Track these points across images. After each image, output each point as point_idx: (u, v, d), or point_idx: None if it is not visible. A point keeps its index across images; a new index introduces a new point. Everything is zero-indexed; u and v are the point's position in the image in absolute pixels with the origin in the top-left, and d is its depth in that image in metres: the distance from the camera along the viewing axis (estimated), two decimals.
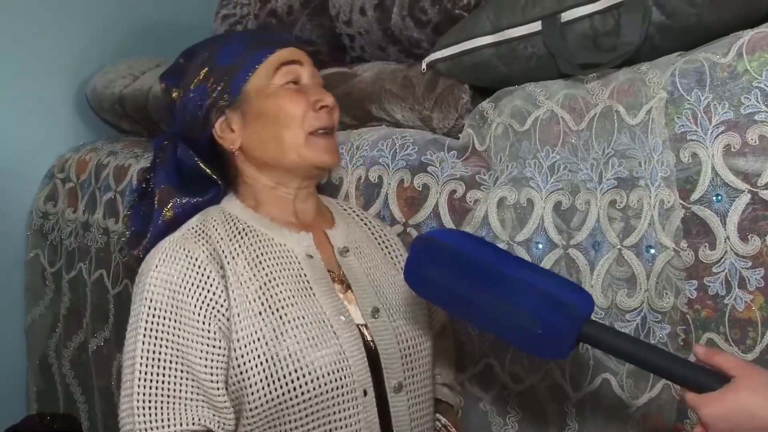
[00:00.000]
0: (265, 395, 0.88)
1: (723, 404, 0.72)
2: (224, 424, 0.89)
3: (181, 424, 0.87)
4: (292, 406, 0.88)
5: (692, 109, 0.95)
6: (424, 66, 1.27)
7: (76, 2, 2.02)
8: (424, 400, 0.99)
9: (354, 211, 1.13)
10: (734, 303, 0.91)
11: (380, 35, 1.41)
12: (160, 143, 1.07)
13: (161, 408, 0.87)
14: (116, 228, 1.70)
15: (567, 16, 1.09)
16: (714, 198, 0.92)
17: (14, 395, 2.02)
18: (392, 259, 1.08)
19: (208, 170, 1.04)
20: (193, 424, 0.87)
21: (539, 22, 1.11)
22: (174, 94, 1.05)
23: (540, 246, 1.08)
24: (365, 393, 0.91)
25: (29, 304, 1.99)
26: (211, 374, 0.88)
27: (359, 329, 0.94)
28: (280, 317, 0.91)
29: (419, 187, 1.21)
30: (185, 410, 0.87)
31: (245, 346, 0.89)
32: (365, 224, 1.11)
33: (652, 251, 0.97)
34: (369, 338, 0.95)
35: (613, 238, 1.01)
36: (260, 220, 0.99)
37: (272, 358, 0.88)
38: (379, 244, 1.09)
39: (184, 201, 1.03)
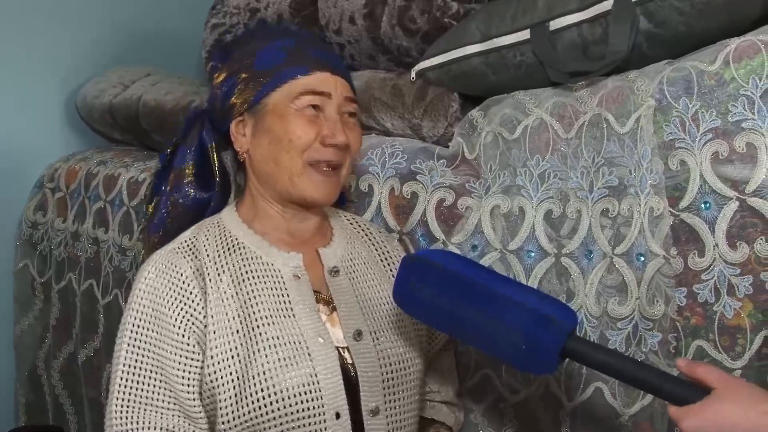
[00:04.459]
0: (234, 411, 0.90)
1: (703, 416, 0.72)
2: None
3: (149, 427, 0.90)
4: (261, 423, 0.89)
5: (680, 116, 0.95)
6: (413, 75, 1.27)
7: (66, 11, 2.02)
8: (406, 425, 0.97)
9: (360, 225, 1.11)
10: (723, 310, 0.91)
11: (370, 44, 1.41)
12: (193, 117, 1.10)
13: (136, 413, 0.91)
14: (106, 237, 1.70)
15: (555, 24, 1.09)
16: (702, 205, 0.92)
17: (2, 407, 2.00)
18: (392, 277, 1.06)
19: (216, 163, 1.07)
20: (165, 429, 0.91)
21: (528, 31, 1.12)
22: (214, 75, 1.05)
23: (532, 254, 1.08)
24: (338, 415, 0.90)
25: (18, 314, 1.98)
26: (187, 385, 0.91)
27: (339, 351, 0.94)
28: (255, 336, 0.91)
29: (408, 195, 1.21)
30: (160, 417, 0.91)
31: (218, 363, 0.91)
32: (369, 239, 1.10)
33: (642, 259, 0.97)
34: (350, 361, 0.94)
35: (605, 246, 1.01)
36: (252, 237, 1.00)
37: (243, 376, 0.90)
38: (381, 260, 1.08)
39: (190, 193, 1.06)
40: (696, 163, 0.93)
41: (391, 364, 0.96)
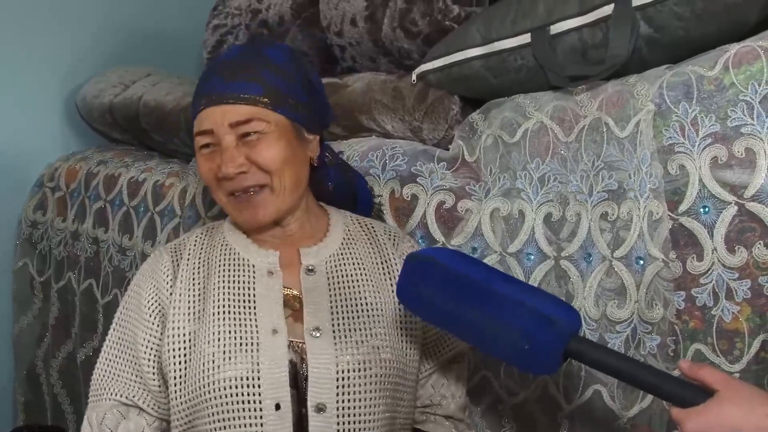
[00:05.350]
0: (178, 390, 0.97)
1: (706, 418, 0.73)
2: (157, 406, 1.01)
3: (114, 395, 1.01)
4: (202, 403, 0.94)
5: (680, 121, 0.96)
6: (414, 77, 1.27)
7: (67, 11, 2.02)
8: (364, 428, 0.94)
9: (366, 227, 1.10)
10: (721, 314, 0.91)
11: (371, 46, 1.41)
12: None
13: (108, 382, 1.02)
14: (105, 237, 1.70)
15: (556, 28, 1.10)
16: (701, 209, 0.93)
17: (1, 406, 2.00)
18: (390, 280, 1.05)
19: None
20: (126, 398, 1.00)
21: (528, 35, 1.12)
22: None
23: (532, 257, 1.09)
24: (278, 407, 0.92)
25: (17, 313, 1.98)
26: (148, 359, 1.00)
27: (294, 346, 0.95)
28: (207, 323, 0.97)
29: (408, 197, 1.21)
30: (126, 388, 1.01)
31: (172, 344, 0.98)
32: (374, 242, 1.08)
33: (642, 262, 0.97)
34: (304, 356, 0.94)
35: (604, 250, 1.01)
36: (237, 236, 1.06)
37: (188, 360, 0.96)
38: (381, 263, 1.06)
39: None
40: (695, 167, 0.93)
41: (348, 363, 0.94)
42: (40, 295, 1.92)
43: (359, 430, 0.94)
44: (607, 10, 1.04)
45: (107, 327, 1.65)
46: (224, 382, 0.92)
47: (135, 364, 1.01)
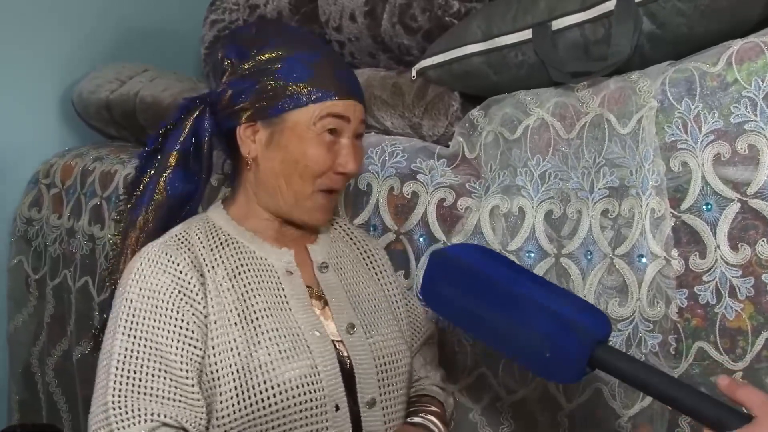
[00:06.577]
0: (235, 404, 0.88)
1: None
2: (198, 424, 0.88)
3: (156, 415, 0.86)
4: (262, 416, 0.88)
5: (682, 118, 0.95)
6: (413, 73, 1.26)
7: (63, 7, 2.01)
8: (400, 417, 0.98)
9: (340, 225, 1.12)
10: (724, 312, 0.91)
11: (370, 42, 1.41)
12: (191, 103, 1.04)
13: (136, 402, 0.86)
14: (102, 234, 1.69)
15: (558, 24, 1.09)
16: (704, 207, 0.92)
17: None
18: (375, 274, 1.08)
19: (207, 158, 1.03)
20: (170, 418, 0.87)
21: (530, 30, 1.11)
22: (227, 65, 1.00)
23: (532, 255, 1.08)
24: (337, 408, 0.91)
25: (12, 311, 1.96)
26: (187, 371, 0.88)
27: (334, 345, 0.94)
28: (255, 328, 0.91)
29: (408, 194, 1.20)
30: (160, 406, 0.87)
31: (219, 354, 0.90)
32: (351, 238, 1.10)
33: (644, 260, 0.97)
34: (344, 354, 0.95)
35: (606, 247, 1.01)
36: (243, 233, 1.00)
37: (244, 368, 0.89)
38: (363, 259, 1.09)
39: (176, 183, 1.03)
40: (698, 164, 0.93)
41: (383, 356, 0.97)
42: (36, 292, 1.91)
43: (397, 419, 0.98)
44: (610, 5, 1.04)
45: (103, 325, 1.65)
46: (289, 392, 0.88)
47: (168, 378, 0.88)
